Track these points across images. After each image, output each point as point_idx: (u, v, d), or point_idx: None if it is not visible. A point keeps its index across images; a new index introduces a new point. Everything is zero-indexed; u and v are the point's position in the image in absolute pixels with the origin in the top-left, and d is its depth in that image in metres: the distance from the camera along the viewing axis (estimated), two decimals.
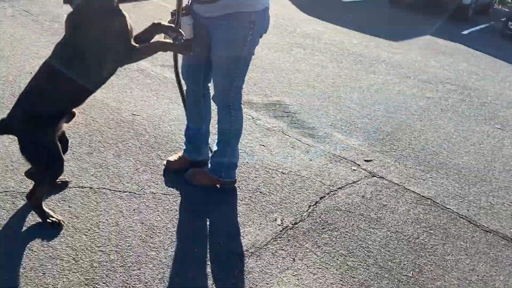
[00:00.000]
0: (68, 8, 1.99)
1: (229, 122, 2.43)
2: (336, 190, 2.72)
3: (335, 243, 2.29)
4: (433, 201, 2.83)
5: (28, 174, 2.16)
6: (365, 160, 3.15)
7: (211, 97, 2.53)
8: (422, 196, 2.85)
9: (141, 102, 3.38)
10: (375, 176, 2.98)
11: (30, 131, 1.92)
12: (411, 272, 2.21)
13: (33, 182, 2.06)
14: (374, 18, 8.56)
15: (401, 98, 4.49)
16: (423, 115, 4.16)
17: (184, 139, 2.72)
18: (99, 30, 1.94)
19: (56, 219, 2.06)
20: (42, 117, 1.92)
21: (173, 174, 2.60)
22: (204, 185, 2.55)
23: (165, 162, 2.67)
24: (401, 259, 2.28)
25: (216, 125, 2.50)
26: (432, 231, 2.55)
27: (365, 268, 2.17)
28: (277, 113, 3.64)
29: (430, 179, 3.08)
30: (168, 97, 3.55)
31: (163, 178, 2.57)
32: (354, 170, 3.00)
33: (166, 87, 3.72)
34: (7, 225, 2.02)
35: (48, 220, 2.04)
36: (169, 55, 4.37)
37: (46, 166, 2.00)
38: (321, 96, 4.17)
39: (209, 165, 2.58)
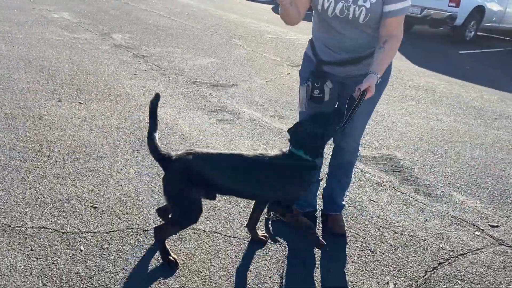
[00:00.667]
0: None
1: (355, 159, 2.61)
2: (457, 257, 2.47)
3: None
4: None
5: (159, 211, 2.37)
6: (491, 225, 2.83)
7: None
8: None
9: (252, 151, 3.52)
10: (503, 244, 2.65)
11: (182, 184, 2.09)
12: None
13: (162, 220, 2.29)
14: (495, 70, 7.95)
15: None
16: None
17: None
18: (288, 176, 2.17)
19: (173, 258, 2.19)
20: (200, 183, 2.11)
21: (281, 223, 2.61)
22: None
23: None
24: None
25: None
26: None
27: None
28: (387, 168, 3.50)
29: None
30: (277, 147, 3.63)
31: (271, 227, 2.59)
32: (478, 235, 2.70)
33: (276, 136, 3.83)
34: (130, 259, 2.19)
35: (167, 258, 2.18)
36: (279, 106, 4.56)
37: (181, 214, 2.14)
38: (437, 151, 3.92)
39: (334, 206, 2.65)
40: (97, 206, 2.58)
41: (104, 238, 2.32)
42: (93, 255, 2.19)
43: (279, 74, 5.77)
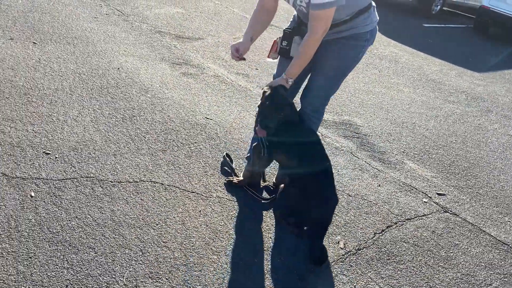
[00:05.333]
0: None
1: (315, 127, 2.58)
2: (404, 221, 2.60)
3: (400, 277, 2.18)
4: (510, 247, 2.61)
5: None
6: (438, 194, 2.98)
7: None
8: (498, 240, 2.65)
9: (214, 107, 3.47)
10: (447, 211, 2.81)
11: None
12: None
13: None
14: (456, 45, 8.18)
15: (481, 132, 4.23)
16: (504, 154, 3.88)
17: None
18: None
19: None
20: None
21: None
22: None
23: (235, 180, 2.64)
24: None
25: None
26: (506, 279, 2.35)
27: None
28: (346, 133, 3.57)
29: (508, 222, 2.85)
30: (240, 105, 3.60)
31: None
32: (425, 202, 2.85)
33: (240, 94, 3.79)
34: (83, 208, 2.14)
35: None
36: (245, 64, 4.48)
37: None
38: (395, 121, 4.03)
39: None
40: (50, 152, 2.47)
41: (56, 185, 2.24)
42: (44, 201, 2.12)
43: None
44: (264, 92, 2.20)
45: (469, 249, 2.51)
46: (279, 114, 2.15)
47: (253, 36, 2.34)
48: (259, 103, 2.25)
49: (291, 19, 2.42)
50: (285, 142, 2.22)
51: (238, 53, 2.32)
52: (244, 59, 2.35)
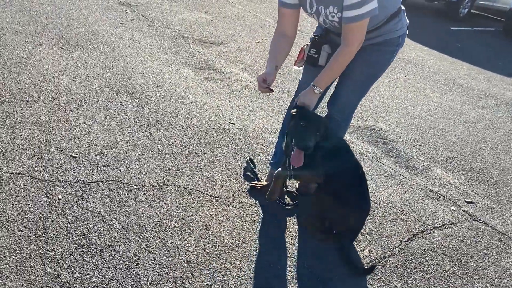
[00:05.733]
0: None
1: (342, 133, 2.55)
2: (432, 229, 2.53)
3: (427, 287, 2.11)
4: None
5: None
6: (467, 201, 2.90)
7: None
8: None
9: (237, 112, 3.47)
10: (477, 220, 2.72)
11: None
12: None
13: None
14: (485, 49, 7.97)
15: None
16: None
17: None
18: None
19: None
20: None
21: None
22: None
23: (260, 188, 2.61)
24: None
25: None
26: None
27: None
28: (371, 139, 3.51)
29: None
30: (263, 110, 3.60)
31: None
32: (454, 210, 2.77)
33: (262, 99, 3.78)
34: (109, 211, 2.17)
35: None
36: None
37: None
38: (421, 126, 3.95)
39: None
40: (77, 156, 2.52)
41: (83, 188, 2.27)
42: (71, 204, 2.15)
43: (269, 35, 5.64)
44: (294, 114, 2.15)
45: (499, 259, 2.42)
46: (316, 133, 2.07)
47: (277, 65, 2.26)
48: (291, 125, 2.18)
49: (317, 25, 2.40)
50: (315, 163, 2.16)
51: (266, 84, 2.24)
52: (272, 90, 2.23)
